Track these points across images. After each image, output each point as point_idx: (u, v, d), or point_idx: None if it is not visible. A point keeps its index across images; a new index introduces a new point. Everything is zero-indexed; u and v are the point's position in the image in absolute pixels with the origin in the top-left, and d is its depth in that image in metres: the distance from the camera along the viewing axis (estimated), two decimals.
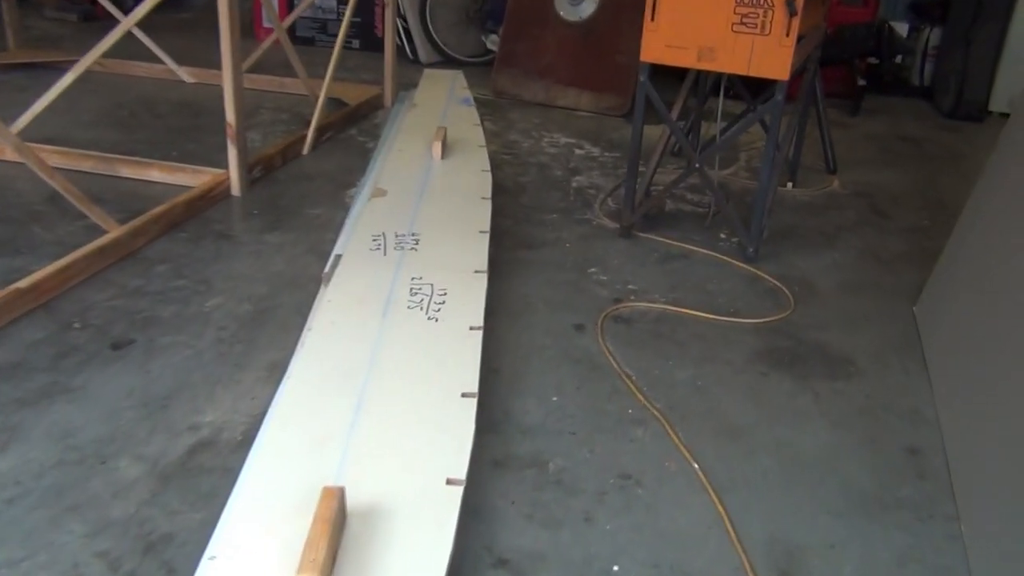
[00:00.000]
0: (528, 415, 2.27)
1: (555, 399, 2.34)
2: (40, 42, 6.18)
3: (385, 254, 2.87)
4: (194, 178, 3.67)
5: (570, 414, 2.28)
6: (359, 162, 4.15)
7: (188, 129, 4.44)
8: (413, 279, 2.69)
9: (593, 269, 3.17)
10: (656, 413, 2.31)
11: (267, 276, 2.96)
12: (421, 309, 2.53)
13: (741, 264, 3.28)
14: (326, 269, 2.86)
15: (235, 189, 3.65)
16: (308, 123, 4.35)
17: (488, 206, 3.31)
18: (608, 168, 4.33)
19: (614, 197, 3.93)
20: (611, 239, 3.46)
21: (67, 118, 4.50)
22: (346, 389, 2.12)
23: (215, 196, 3.55)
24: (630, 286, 3.05)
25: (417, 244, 2.96)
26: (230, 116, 3.55)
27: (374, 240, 2.97)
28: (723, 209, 3.47)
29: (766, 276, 3.19)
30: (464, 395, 2.13)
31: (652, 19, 3.11)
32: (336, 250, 3.02)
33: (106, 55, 3.39)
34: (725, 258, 3.33)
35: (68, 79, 3.72)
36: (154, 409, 2.19)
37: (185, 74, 5.28)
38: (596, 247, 3.37)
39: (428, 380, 2.19)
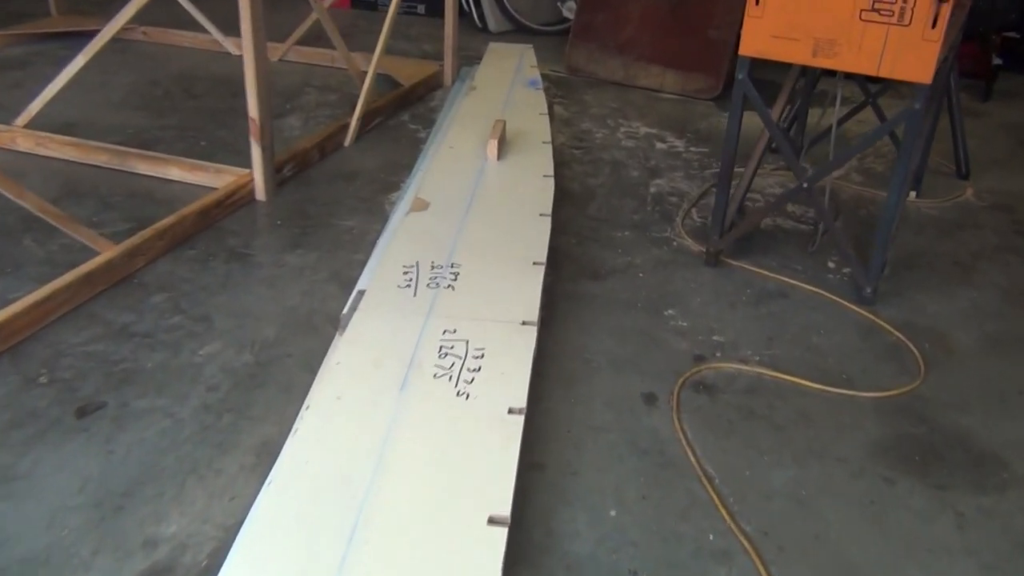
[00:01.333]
0: (577, 540, 1.75)
1: (613, 513, 1.82)
2: (85, 6, 5.80)
3: (415, 294, 2.36)
4: (216, 178, 3.22)
5: (632, 539, 1.76)
6: (408, 156, 3.64)
7: (223, 112, 3.99)
8: (445, 333, 2.18)
9: (671, 311, 2.60)
10: (745, 541, 1.76)
11: (279, 312, 2.49)
12: (450, 379, 2.02)
13: (855, 307, 2.66)
14: (344, 310, 2.37)
15: (259, 193, 3.19)
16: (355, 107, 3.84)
17: (547, 226, 2.77)
18: (693, 168, 3.71)
19: (699, 208, 3.32)
20: (694, 267, 2.87)
21: (96, 96, 4.10)
22: (340, 507, 1.64)
23: (236, 202, 3.10)
24: (716, 337, 2.47)
25: (455, 279, 2.44)
26: (253, 110, 3.07)
27: (405, 274, 2.46)
28: (832, 229, 2.84)
29: (887, 326, 2.57)
30: (492, 521, 1.62)
31: (756, 2, 2.48)
32: (360, 283, 2.53)
33: (150, 23, 2.92)
34: (834, 297, 2.72)
35: (79, 62, 3.30)
36: (107, 512, 1.75)
37: (232, 46, 4.84)
38: (676, 279, 2.79)
39: (447, 495, 1.69)
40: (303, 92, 4.38)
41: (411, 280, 2.44)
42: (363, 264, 2.71)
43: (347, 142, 3.75)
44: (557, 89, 4.71)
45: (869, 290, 2.67)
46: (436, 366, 2.06)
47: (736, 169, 2.82)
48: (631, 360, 2.36)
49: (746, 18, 2.51)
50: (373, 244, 2.86)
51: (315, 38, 4.66)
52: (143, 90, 4.21)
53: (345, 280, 2.67)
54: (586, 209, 3.28)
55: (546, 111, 3.81)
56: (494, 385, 2.00)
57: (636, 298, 2.67)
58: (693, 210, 3.31)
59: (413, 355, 2.10)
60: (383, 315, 2.28)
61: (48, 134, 3.45)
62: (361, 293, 2.42)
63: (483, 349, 2.13)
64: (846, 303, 2.69)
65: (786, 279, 2.82)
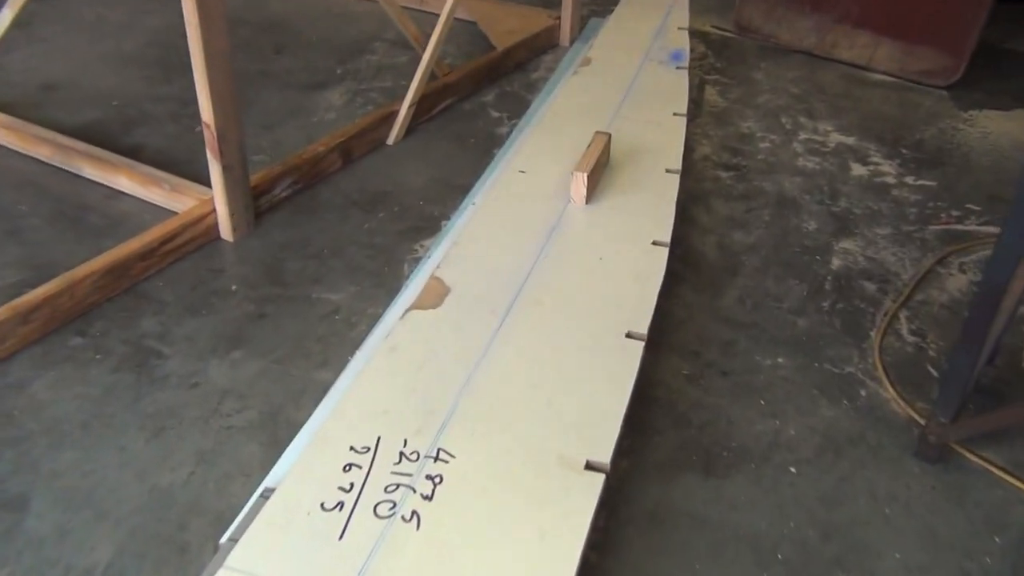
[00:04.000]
0: None
1: None
2: None
3: (344, 529, 1.26)
4: (173, 199, 2.20)
5: None
6: (473, 166, 2.48)
7: (249, 78, 2.94)
8: None
9: None
10: None
11: (139, 504, 1.46)
12: None
13: None
14: (231, 529, 1.31)
15: (224, 230, 2.14)
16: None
17: (633, 363, 1.57)
18: (909, 218, 2.35)
19: (913, 310, 2.00)
20: (896, 462, 1.60)
21: (105, 45, 3.17)
22: None
23: (188, 243, 2.07)
24: None
25: (431, 494, 1.32)
26: (206, 110, 1.99)
27: (346, 470, 1.36)
28: None
29: None
30: None
31: None
32: (273, 474, 1.44)
33: None
34: None
35: (6, 17, 2.32)
36: None
37: None
38: (857, 489, 1.55)
39: None
40: (367, 48, 3.26)
41: (352, 486, 1.34)
42: (321, 394, 1.63)
43: (391, 139, 2.62)
44: (716, 57, 3.35)
45: None
46: None
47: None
48: None
49: None
50: (358, 344, 1.76)
51: None
52: (162, 39, 3.23)
53: (282, 431, 1.60)
54: (719, 297, 2.02)
55: (684, 109, 2.52)
56: None
57: (779, 532, 1.44)
58: (902, 314, 1.99)
59: None
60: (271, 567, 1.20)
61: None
62: (270, 492, 1.35)
63: None
64: None
65: None
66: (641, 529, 1.45)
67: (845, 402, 1.73)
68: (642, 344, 1.64)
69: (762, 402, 1.72)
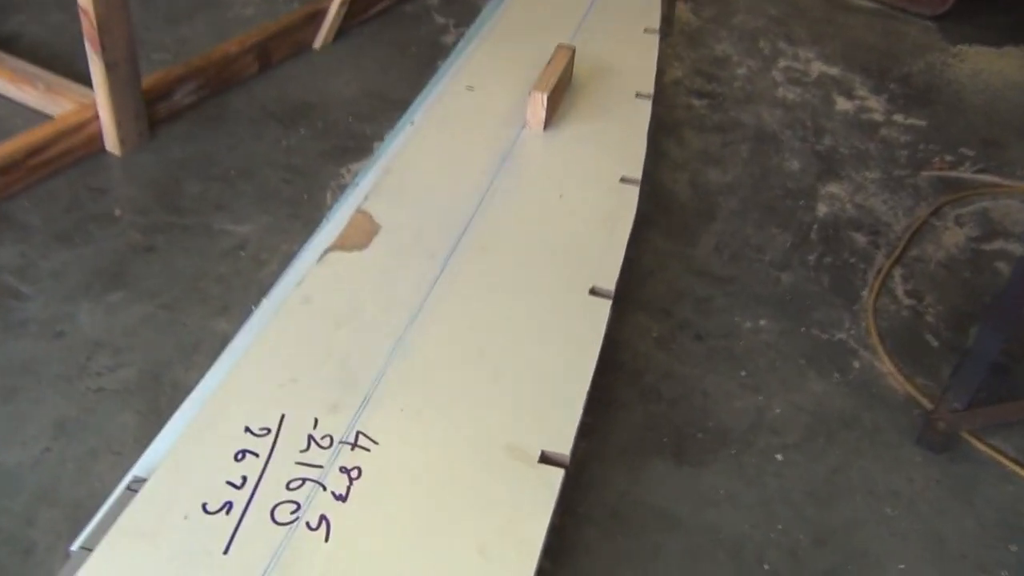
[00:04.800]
0: None
1: None
2: None
3: (231, 540, 0.98)
4: (48, 100, 1.82)
5: None
6: (412, 80, 2.13)
7: None
8: None
9: None
10: None
11: None
12: None
13: None
14: (73, 545, 1.01)
15: (109, 142, 1.78)
16: None
17: (596, 337, 1.30)
18: (899, 160, 2.11)
19: (908, 267, 1.77)
20: (895, 448, 1.38)
21: None
22: None
23: (62, 156, 1.71)
24: None
25: (346, 493, 1.04)
26: None
27: (240, 455, 1.06)
28: None
29: None
30: None
31: None
32: (146, 457, 1.14)
33: None
34: None
35: None
36: None
37: None
38: (853, 481, 1.33)
39: None
40: None
41: (245, 481, 1.05)
42: (218, 349, 1.32)
43: (318, 42, 2.25)
44: None
45: None
46: None
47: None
48: None
49: None
50: (265, 290, 1.45)
51: None
52: None
53: (165, 397, 1.30)
54: (693, 245, 1.76)
55: (657, 24, 2.21)
56: None
57: (762, 540, 1.21)
58: (896, 272, 1.75)
59: None
60: None
61: None
62: (139, 483, 1.05)
63: None
64: None
65: None
66: (603, 529, 1.21)
67: (836, 375, 1.50)
68: (609, 303, 1.37)
69: (742, 373, 1.48)
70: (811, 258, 1.76)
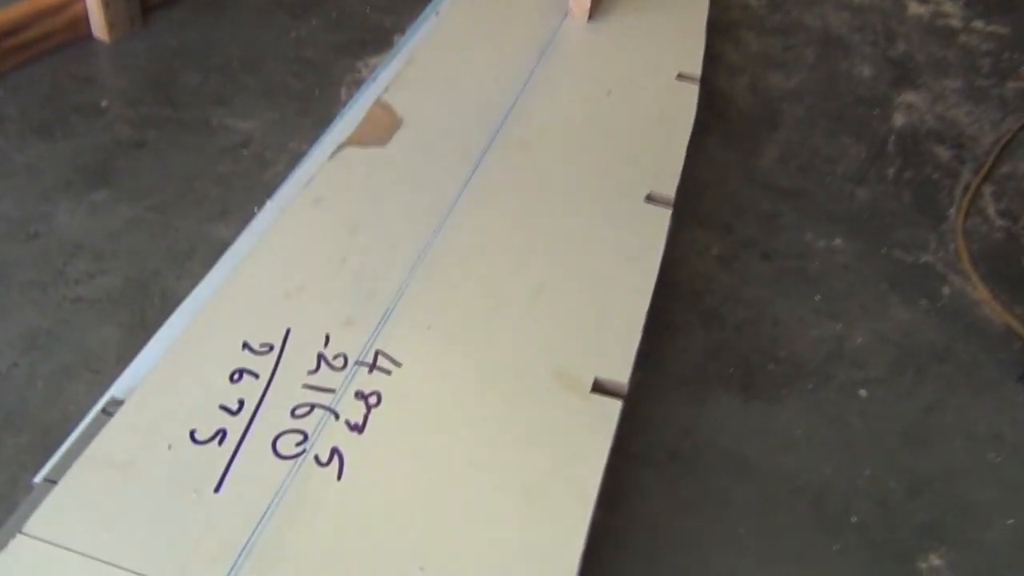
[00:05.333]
0: None
1: None
2: None
3: (224, 475, 0.80)
4: None
5: None
6: None
7: None
8: None
9: (937, 560, 0.97)
10: None
11: None
12: None
13: None
14: (37, 476, 0.84)
15: (97, 27, 1.57)
16: None
17: (655, 250, 1.11)
18: (982, 69, 1.87)
19: (999, 184, 1.55)
20: (995, 389, 1.19)
21: None
22: None
23: (44, 40, 1.51)
24: None
25: (362, 422, 0.86)
26: None
27: (235, 379, 0.89)
28: None
29: None
30: None
31: None
32: (126, 376, 0.96)
33: None
34: None
35: None
36: None
37: None
38: (948, 419, 1.13)
39: None
40: None
41: (241, 405, 0.87)
42: (214, 257, 1.13)
43: None
44: None
45: None
46: None
47: None
48: None
49: None
50: (270, 191, 1.25)
51: None
52: None
53: (153, 309, 1.12)
54: (756, 155, 1.55)
55: None
56: None
57: (847, 489, 1.03)
58: (985, 189, 1.54)
59: None
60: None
61: None
62: (117, 404, 0.88)
63: None
64: None
65: None
66: (662, 473, 1.03)
67: (924, 301, 1.30)
68: (668, 212, 1.17)
69: (817, 297, 1.28)
70: (889, 172, 1.55)
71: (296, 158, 1.35)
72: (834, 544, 0.99)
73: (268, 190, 1.29)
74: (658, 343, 1.17)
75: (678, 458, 1.05)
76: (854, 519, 1.01)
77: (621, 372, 0.95)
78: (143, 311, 1.12)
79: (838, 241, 1.39)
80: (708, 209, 1.41)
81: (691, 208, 1.39)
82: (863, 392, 1.16)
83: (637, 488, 1.02)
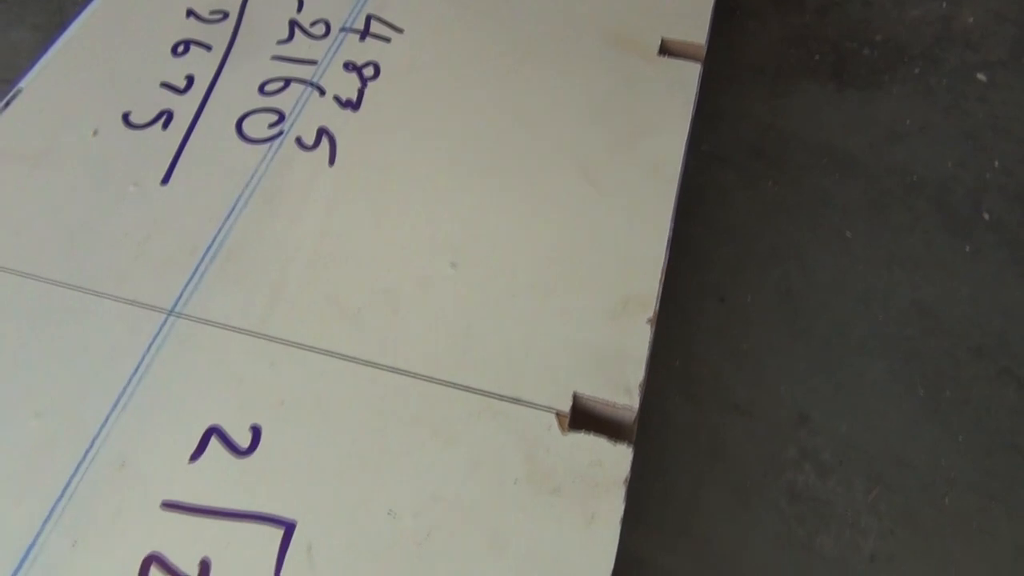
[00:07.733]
0: None
1: None
2: None
3: (171, 171, 0.58)
4: None
5: None
6: None
7: None
8: None
9: None
10: None
11: None
12: None
13: None
14: None
15: None
16: None
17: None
18: None
19: None
20: None
21: None
22: None
23: None
24: None
25: (357, 98, 0.63)
26: None
27: (179, 48, 0.65)
28: None
29: None
30: None
31: None
32: (32, 77, 0.72)
33: None
34: None
35: None
36: None
37: None
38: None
39: None
40: None
41: (188, 83, 0.64)
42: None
43: None
44: None
45: None
46: None
47: None
48: None
49: None
50: None
51: None
52: None
53: (76, 4, 0.86)
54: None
55: None
56: None
57: (977, 186, 0.82)
58: None
59: None
60: None
61: None
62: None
63: None
64: None
65: None
66: (744, 174, 0.81)
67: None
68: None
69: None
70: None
71: None
72: (965, 245, 0.78)
73: None
74: (723, 26, 0.93)
75: (762, 156, 0.83)
76: (986, 216, 0.80)
77: (698, 33, 0.71)
78: (61, 11, 0.86)
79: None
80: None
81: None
82: (981, 76, 0.92)
83: (717, 191, 0.80)
